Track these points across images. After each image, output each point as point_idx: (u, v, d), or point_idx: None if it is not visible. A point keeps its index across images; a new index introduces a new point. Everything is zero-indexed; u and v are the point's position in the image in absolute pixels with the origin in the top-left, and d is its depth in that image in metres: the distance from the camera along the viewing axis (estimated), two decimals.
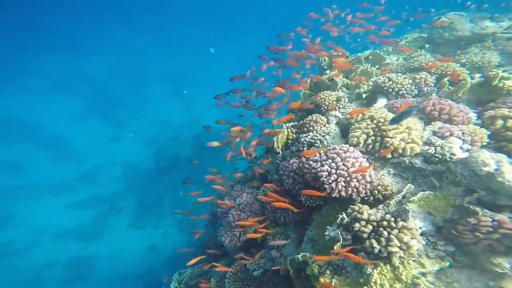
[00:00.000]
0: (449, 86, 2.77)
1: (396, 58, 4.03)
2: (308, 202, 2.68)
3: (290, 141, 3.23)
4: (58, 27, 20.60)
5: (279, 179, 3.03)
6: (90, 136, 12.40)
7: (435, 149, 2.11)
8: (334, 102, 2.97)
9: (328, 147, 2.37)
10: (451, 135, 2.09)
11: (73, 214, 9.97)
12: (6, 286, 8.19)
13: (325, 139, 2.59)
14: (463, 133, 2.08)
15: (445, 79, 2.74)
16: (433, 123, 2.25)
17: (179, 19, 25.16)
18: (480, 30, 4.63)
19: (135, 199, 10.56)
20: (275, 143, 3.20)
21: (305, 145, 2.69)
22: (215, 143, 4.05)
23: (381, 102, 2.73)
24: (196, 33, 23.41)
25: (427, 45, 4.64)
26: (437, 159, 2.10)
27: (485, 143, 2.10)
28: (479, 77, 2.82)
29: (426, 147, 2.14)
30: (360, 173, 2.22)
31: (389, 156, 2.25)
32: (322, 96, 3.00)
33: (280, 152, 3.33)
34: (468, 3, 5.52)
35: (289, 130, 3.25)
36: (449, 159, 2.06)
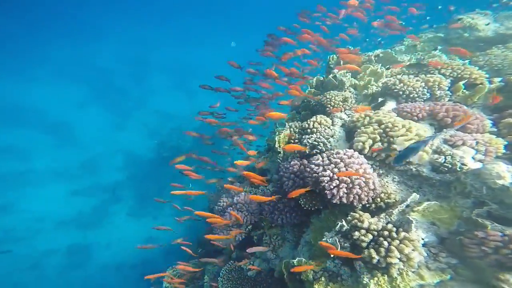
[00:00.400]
0: (464, 90, 2.61)
1: (409, 58, 3.84)
2: (307, 206, 2.58)
3: (292, 141, 3.12)
4: (63, 12, 20.50)
5: (279, 180, 2.94)
6: (93, 124, 12.47)
7: (445, 158, 1.98)
8: (341, 103, 2.84)
9: (332, 151, 2.26)
10: (464, 144, 1.96)
11: (74, 202, 10.09)
12: (6, 273, 8.36)
13: (329, 142, 2.48)
14: (477, 143, 1.94)
15: (461, 82, 2.58)
16: (444, 130, 2.11)
17: (187, 9, 24.83)
18: (505, 30, 4.35)
19: (135, 189, 10.63)
20: (277, 142, 3.10)
21: (307, 147, 2.58)
22: (193, 133, 4.13)
23: (390, 105, 2.59)
24: (202, 23, 23.11)
25: (439, 47, 4.40)
26: (446, 169, 1.97)
27: (500, 154, 1.97)
28: (499, 82, 2.65)
29: (436, 156, 2.01)
30: (364, 180, 2.11)
31: None
32: (328, 96, 2.87)
33: (282, 152, 3.22)
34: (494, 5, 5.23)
35: (291, 129, 3.14)
36: (459, 169, 1.93)
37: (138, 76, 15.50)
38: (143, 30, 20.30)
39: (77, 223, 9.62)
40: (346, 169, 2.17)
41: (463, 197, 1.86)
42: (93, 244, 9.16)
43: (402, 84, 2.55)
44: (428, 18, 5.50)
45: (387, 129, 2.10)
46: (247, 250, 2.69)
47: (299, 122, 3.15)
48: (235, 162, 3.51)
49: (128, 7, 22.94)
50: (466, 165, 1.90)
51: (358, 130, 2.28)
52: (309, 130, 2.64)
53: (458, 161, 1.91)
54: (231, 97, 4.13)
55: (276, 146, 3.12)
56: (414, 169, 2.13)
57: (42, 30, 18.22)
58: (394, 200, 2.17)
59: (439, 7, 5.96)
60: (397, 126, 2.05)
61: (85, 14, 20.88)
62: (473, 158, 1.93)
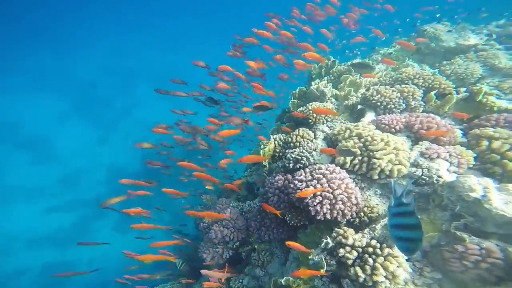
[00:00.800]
0: (436, 100, 2.72)
1: (385, 67, 3.98)
2: (293, 222, 2.57)
3: (277, 154, 3.11)
4: (42, 21, 19.59)
5: (265, 195, 2.91)
6: (74, 138, 11.86)
7: (422, 171, 2.03)
8: (321, 114, 2.86)
9: (314, 167, 2.26)
10: (438, 157, 2.02)
11: (51, 219, 9.49)
12: None
13: (312, 156, 2.48)
14: (450, 155, 2.01)
15: (432, 93, 2.69)
16: (420, 143, 2.17)
17: (170, 15, 24.54)
18: (463, 41, 4.70)
19: (119, 203, 10.17)
20: (262, 155, 3.07)
21: (291, 162, 2.58)
22: (146, 145, 4.10)
23: (369, 116, 2.65)
24: (189, 29, 22.90)
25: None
26: (424, 181, 2.03)
27: (471, 165, 2.05)
28: (464, 92, 2.79)
29: (413, 169, 2.07)
30: (346, 195, 2.13)
31: (376, 177, 2.16)
32: (310, 108, 2.89)
33: (267, 165, 3.20)
34: (456, 16, 5.65)
35: (276, 142, 3.13)
36: (436, 182, 1.99)
37: (121, 86, 14.98)
38: (125, 38, 19.79)
39: (54, 241, 9.02)
40: (329, 185, 2.18)
41: (441, 209, 1.91)
42: (73, 262, 8.63)
43: (379, 95, 2.62)
44: (399, 30, 5.82)
45: (367, 143, 2.14)
46: (201, 271, 2.61)
47: (283, 134, 3.15)
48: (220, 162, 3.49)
49: (109, 15, 22.35)
50: (442, 178, 1.96)
51: (340, 144, 2.30)
52: (292, 144, 2.63)
53: (434, 174, 1.97)
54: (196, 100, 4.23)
55: (262, 161, 3.10)
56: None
57: (21, 40, 17.28)
58: (377, 214, 2.20)
59: (407, 20, 6.37)
60: (376, 140, 2.09)
61: (67, 23, 20.08)
62: (447, 170, 2.00)
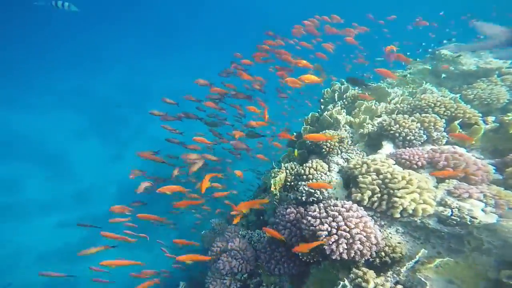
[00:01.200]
0: (461, 131, 2.54)
1: (402, 92, 3.85)
2: (305, 258, 2.40)
3: (288, 183, 2.99)
4: (66, 43, 21.12)
5: (276, 227, 2.77)
6: (90, 155, 12.31)
7: (452, 211, 1.85)
8: (337, 144, 2.75)
9: (329, 202, 2.12)
10: (470, 197, 1.84)
11: (60, 234, 9.63)
12: None
13: (326, 190, 2.35)
14: (484, 196, 1.82)
15: (456, 122, 2.53)
16: (447, 181, 2.00)
17: (188, 40, 25.90)
18: (485, 64, 4.50)
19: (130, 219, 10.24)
20: (273, 185, 2.96)
21: (303, 195, 2.45)
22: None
23: (387, 147, 2.50)
24: (203, 52, 23.94)
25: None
26: (454, 222, 1.84)
27: None
28: (493, 121, 2.60)
29: (441, 208, 1.89)
30: (365, 234, 1.96)
31: (398, 215, 1.99)
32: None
33: (278, 194, 3.08)
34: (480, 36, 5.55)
35: (287, 171, 3.02)
36: (469, 223, 1.79)
37: (138, 105, 15.64)
38: (146, 60, 20.89)
39: (62, 256, 9.06)
40: (345, 223, 2.03)
41: (480, 253, 1.70)
42: (78, 278, 8.57)
43: (397, 126, 2.48)
44: (418, 51, 5.75)
45: (386, 180, 1.99)
46: None
47: (295, 163, 3.04)
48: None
49: (129, 37, 23.83)
50: (477, 219, 1.77)
51: (357, 180, 2.16)
52: (304, 177, 2.52)
53: (466, 215, 1.78)
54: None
55: (272, 189, 2.98)
56: (419, 221, 1.99)
57: (46, 60, 18.64)
58: (401, 254, 2.01)
59: (423, 43, 6.34)
60: (396, 178, 1.94)
61: (90, 44, 21.56)
62: (483, 210, 1.80)
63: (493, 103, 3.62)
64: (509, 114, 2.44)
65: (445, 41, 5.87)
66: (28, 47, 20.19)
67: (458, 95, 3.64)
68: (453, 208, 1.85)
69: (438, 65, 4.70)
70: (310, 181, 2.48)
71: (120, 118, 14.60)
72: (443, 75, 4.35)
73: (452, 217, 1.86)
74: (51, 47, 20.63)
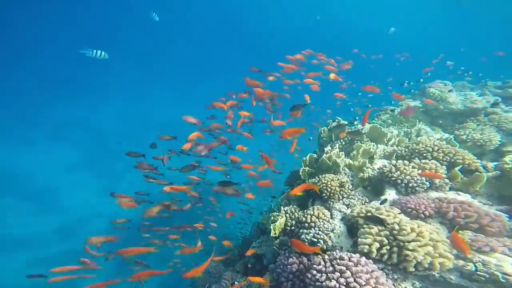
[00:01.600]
0: (463, 177, 2.53)
1: (397, 132, 3.93)
2: None
3: (288, 228, 2.85)
4: (63, 73, 21.43)
5: (277, 277, 2.56)
6: (80, 188, 11.89)
7: (475, 266, 1.74)
8: (337, 189, 2.69)
9: (335, 255, 1.98)
10: (493, 250, 1.75)
11: (33, 272, 8.82)
12: None
13: (330, 238, 2.22)
14: (510, 249, 1.74)
15: (456, 169, 2.53)
16: (461, 232, 1.92)
17: (183, 68, 26.89)
18: (471, 104, 4.70)
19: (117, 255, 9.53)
20: (272, 230, 2.81)
21: (306, 243, 2.31)
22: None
23: (390, 194, 2.45)
24: (203, 82, 24.71)
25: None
26: (483, 278, 1.71)
27: None
28: (493, 168, 2.62)
29: (461, 262, 1.77)
30: None
31: (412, 269, 1.86)
32: (323, 181, 2.73)
33: (278, 238, 2.91)
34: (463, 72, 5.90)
35: (287, 215, 2.90)
36: (503, 280, 1.67)
37: (133, 136, 15.58)
38: (141, 90, 21.34)
39: None
40: (355, 279, 1.87)
41: None
42: None
43: (399, 172, 2.46)
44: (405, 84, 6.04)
45: (394, 232, 1.90)
46: None
47: (295, 207, 2.93)
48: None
49: (125, 68, 24.59)
50: (511, 276, 1.65)
51: (361, 230, 2.06)
52: (306, 224, 2.40)
53: (495, 270, 1.67)
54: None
55: (272, 234, 2.82)
56: (437, 275, 1.86)
57: (41, 92, 18.79)
58: None
59: (406, 82, 6.70)
60: (405, 229, 1.85)
61: (86, 74, 21.99)
62: None
63: (486, 144, 3.71)
64: (507, 160, 2.45)
65: (421, 79, 6.26)
66: (21, 77, 20.45)
67: (452, 136, 3.73)
68: (476, 263, 1.75)
69: (428, 104, 4.89)
70: (312, 229, 2.36)
71: (114, 150, 14.44)
72: (440, 121, 4.53)
73: (479, 272, 1.74)
74: (45, 76, 20.92)
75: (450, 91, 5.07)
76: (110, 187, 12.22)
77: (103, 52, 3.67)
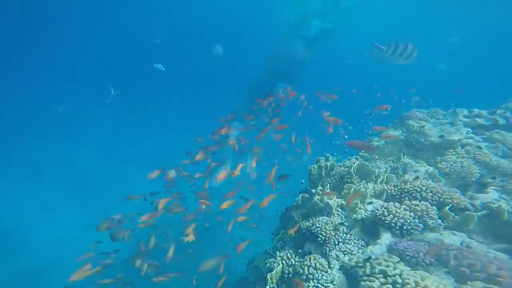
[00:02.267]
0: (454, 215, 2.57)
1: (385, 169, 4.02)
2: None
3: (286, 275, 2.69)
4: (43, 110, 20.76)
5: None
6: (57, 227, 10.98)
7: None
8: (332, 232, 2.62)
9: None
10: None
11: None
12: None
13: None
14: None
15: (447, 208, 2.56)
16: (469, 283, 1.85)
17: (167, 98, 27.03)
18: (448, 136, 4.96)
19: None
20: (269, 280, 2.63)
21: None
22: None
23: (386, 237, 2.41)
24: (188, 112, 24.82)
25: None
26: None
27: None
28: (480, 205, 2.68)
29: None
30: None
31: None
32: (317, 225, 2.66)
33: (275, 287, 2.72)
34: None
35: (283, 261, 2.75)
36: None
37: (118, 171, 14.99)
38: (123, 124, 21.00)
39: None
40: None
41: None
42: None
43: (391, 215, 2.46)
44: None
45: (397, 286, 1.82)
46: None
47: (291, 252, 2.81)
48: None
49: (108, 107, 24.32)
50: None
51: (362, 283, 1.96)
52: (304, 276, 2.27)
53: None
54: None
55: (269, 284, 2.64)
56: None
57: (18, 129, 18.03)
58: None
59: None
60: (408, 284, 1.78)
61: (66, 112, 21.38)
62: None
63: (468, 176, 3.85)
64: (494, 201, 2.54)
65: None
66: None
67: (436, 171, 3.86)
68: None
69: (409, 136, 5.10)
70: (311, 281, 2.23)
71: (97, 185, 13.73)
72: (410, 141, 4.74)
73: None
74: (20, 114, 20.17)
75: (426, 121, 5.38)
76: (90, 224, 11.39)
77: (115, 92, 3.62)
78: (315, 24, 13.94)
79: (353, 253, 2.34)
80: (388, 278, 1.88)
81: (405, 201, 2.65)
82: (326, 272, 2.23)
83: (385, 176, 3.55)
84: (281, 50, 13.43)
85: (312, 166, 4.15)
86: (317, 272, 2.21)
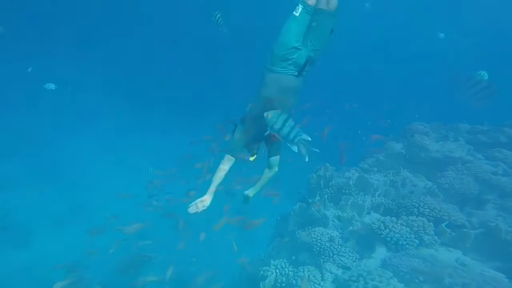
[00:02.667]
0: (451, 232, 2.56)
1: (384, 181, 4.01)
2: None
3: (279, 284, 2.68)
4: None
5: None
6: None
7: None
8: (327, 243, 2.62)
9: None
10: None
11: None
12: None
13: None
14: None
15: (443, 224, 2.56)
16: None
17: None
18: (448, 153, 4.93)
19: None
20: None
21: None
22: None
23: (380, 251, 2.41)
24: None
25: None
26: None
27: None
28: (477, 223, 2.67)
29: None
30: None
31: None
32: (313, 236, 2.67)
33: None
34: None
35: (277, 271, 2.74)
36: None
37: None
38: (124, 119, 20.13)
39: None
40: None
41: None
42: None
43: (388, 230, 2.46)
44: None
45: None
46: None
47: (284, 261, 2.80)
48: None
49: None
50: None
51: None
52: None
53: None
54: None
55: None
56: None
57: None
58: None
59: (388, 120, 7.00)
60: None
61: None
62: None
63: (466, 193, 3.84)
64: (491, 221, 2.53)
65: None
66: None
67: (435, 186, 3.85)
68: None
69: (410, 150, 5.08)
70: None
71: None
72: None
73: None
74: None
75: (427, 135, 5.36)
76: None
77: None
78: None
79: (347, 266, 2.34)
80: None
81: (402, 216, 2.64)
82: (319, 285, 2.22)
83: (383, 189, 3.55)
84: None
85: (311, 176, 4.16)
86: (309, 285, 2.20)
